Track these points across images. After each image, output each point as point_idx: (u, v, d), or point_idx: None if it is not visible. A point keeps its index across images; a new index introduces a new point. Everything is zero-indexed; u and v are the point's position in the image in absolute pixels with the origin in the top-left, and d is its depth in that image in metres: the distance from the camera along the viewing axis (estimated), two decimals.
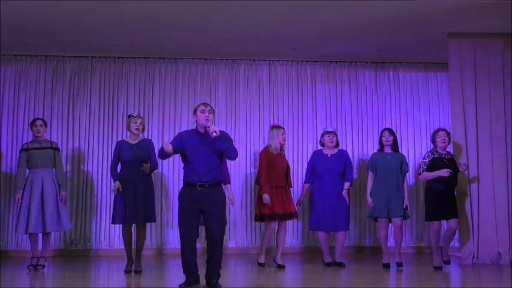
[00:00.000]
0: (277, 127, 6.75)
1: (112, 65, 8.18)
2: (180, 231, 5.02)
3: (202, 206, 4.98)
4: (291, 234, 8.07)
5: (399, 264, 6.55)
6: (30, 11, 6.36)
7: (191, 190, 5.01)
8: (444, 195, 6.45)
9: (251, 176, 8.12)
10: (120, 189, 6.16)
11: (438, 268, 6.41)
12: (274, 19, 6.67)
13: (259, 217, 6.54)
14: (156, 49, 7.93)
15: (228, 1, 6.13)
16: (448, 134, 6.67)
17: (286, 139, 8.15)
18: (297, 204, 6.89)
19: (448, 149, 6.76)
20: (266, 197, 6.40)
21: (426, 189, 6.61)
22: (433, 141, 6.67)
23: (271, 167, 6.53)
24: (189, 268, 5.00)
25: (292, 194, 7.94)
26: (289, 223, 7.99)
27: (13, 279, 5.88)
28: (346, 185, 6.72)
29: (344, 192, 6.68)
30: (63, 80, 8.04)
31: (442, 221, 6.59)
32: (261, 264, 6.61)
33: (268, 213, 6.45)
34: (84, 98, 8.05)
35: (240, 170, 8.13)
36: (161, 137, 8.05)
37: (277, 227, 6.64)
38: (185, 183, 5.08)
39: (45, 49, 7.88)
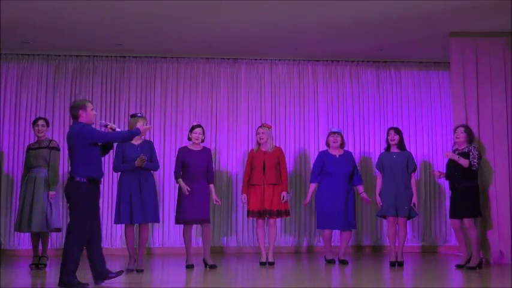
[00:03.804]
0: (260, 125, 6.85)
1: (113, 64, 8.19)
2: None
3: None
4: (291, 233, 8.08)
5: (400, 264, 6.55)
6: (32, 11, 6.37)
7: (97, 187, 5.21)
8: (454, 193, 6.48)
9: None
10: (145, 158, 6.13)
11: (459, 266, 6.42)
12: (275, 18, 6.67)
13: (247, 213, 6.75)
14: (157, 48, 7.93)
15: (229, 1, 6.13)
16: (466, 130, 6.56)
17: (287, 138, 8.24)
18: (304, 205, 7.12)
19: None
20: (243, 197, 6.70)
21: None
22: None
23: (252, 166, 6.68)
24: None
25: (293, 191, 7.99)
26: (290, 222, 8.01)
27: (15, 278, 5.89)
28: (361, 188, 6.88)
29: (363, 195, 6.87)
30: (65, 79, 8.05)
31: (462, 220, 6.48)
32: (261, 264, 6.60)
33: (249, 210, 6.66)
34: (86, 97, 8.02)
35: (240, 169, 8.12)
36: (162, 135, 8.07)
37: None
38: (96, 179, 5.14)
39: (47, 48, 7.89)
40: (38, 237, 6.56)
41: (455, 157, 6.40)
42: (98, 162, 5.15)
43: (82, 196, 4.98)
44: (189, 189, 6.34)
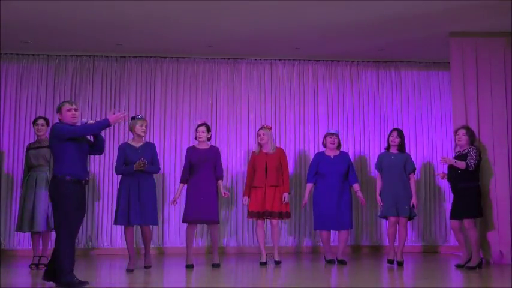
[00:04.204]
0: (260, 127, 6.91)
1: (113, 64, 8.19)
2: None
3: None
4: (292, 233, 8.09)
5: (400, 263, 6.56)
6: (32, 11, 6.37)
7: (81, 186, 5.11)
8: (455, 194, 6.48)
9: None
10: (145, 162, 6.13)
11: (459, 266, 6.42)
12: (275, 18, 6.67)
13: (248, 214, 6.81)
14: (157, 48, 7.93)
15: (229, 1, 6.13)
16: (468, 132, 6.56)
17: (287, 138, 8.25)
18: (302, 206, 7.20)
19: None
20: (244, 199, 6.77)
21: None
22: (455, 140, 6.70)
23: (254, 168, 6.74)
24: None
25: (293, 191, 7.98)
26: (291, 222, 8.00)
27: (15, 278, 5.89)
28: (356, 186, 6.88)
29: (359, 193, 6.87)
30: (65, 79, 8.05)
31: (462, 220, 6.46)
32: (261, 264, 6.64)
33: (249, 211, 6.73)
34: (86, 97, 8.07)
35: (240, 169, 8.13)
36: (162, 135, 8.06)
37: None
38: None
39: (47, 48, 7.89)
40: (39, 237, 6.57)
41: (453, 162, 6.41)
42: (77, 159, 5.06)
43: (63, 194, 4.96)
44: (176, 202, 6.62)
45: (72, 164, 5.02)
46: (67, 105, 5.16)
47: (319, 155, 7.02)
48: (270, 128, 6.83)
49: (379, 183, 6.78)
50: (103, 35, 7.33)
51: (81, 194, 5.11)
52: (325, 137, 7.03)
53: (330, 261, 6.80)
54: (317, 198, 6.85)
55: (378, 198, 6.74)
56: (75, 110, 5.17)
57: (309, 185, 6.97)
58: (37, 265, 6.45)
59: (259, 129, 6.83)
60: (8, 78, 7.96)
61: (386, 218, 6.74)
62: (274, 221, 6.65)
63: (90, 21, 6.77)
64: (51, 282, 5.08)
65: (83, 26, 6.91)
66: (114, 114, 5.12)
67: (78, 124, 5.13)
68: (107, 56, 8.16)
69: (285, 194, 6.64)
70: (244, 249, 8.00)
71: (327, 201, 6.75)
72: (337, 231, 6.96)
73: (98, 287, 5.20)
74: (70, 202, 4.97)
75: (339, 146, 6.98)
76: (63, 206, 4.96)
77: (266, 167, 6.65)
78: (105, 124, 5.08)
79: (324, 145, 7.02)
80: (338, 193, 6.77)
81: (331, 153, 6.94)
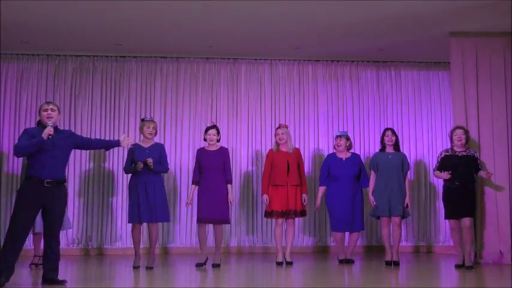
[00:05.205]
0: (278, 127, 6.92)
1: (113, 64, 8.19)
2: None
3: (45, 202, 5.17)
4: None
5: (396, 263, 6.58)
6: (32, 10, 6.38)
7: (41, 186, 5.13)
8: (458, 193, 6.42)
9: (252, 174, 8.14)
10: (141, 165, 6.22)
11: (458, 267, 6.41)
12: (275, 18, 6.68)
13: (265, 214, 6.84)
14: (157, 48, 7.93)
15: (229, 1, 6.13)
16: (466, 132, 6.62)
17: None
18: (315, 209, 7.25)
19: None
20: (264, 197, 6.71)
21: (442, 187, 6.66)
22: (451, 139, 6.68)
23: (273, 166, 6.73)
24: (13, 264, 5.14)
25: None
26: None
27: (15, 278, 5.88)
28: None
29: (371, 198, 6.78)
30: (65, 79, 8.06)
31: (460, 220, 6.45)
32: (278, 264, 6.67)
33: (269, 210, 6.72)
34: (86, 97, 8.07)
35: (241, 168, 8.14)
36: (162, 135, 8.05)
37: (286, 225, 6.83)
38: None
39: (47, 48, 7.89)
40: (40, 237, 6.56)
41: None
42: (40, 160, 5.14)
43: (19, 191, 5.21)
44: (190, 203, 6.71)
45: (34, 164, 5.16)
46: (44, 106, 5.34)
47: (330, 157, 7.04)
48: (287, 127, 6.89)
49: (372, 183, 6.80)
50: (103, 35, 7.33)
51: (39, 194, 5.13)
52: (334, 139, 7.10)
53: (342, 261, 6.83)
54: (330, 201, 6.89)
55: (371, 197, 6.76)
56: (52, 110, 5.29)
57: (322, 188, 6.99)
58: (37, 265, 6.46)
59: (277, 128, 6.87)
60: (8, 78, 7.96)
61: (378, 217, 6.78)
62: (291, 220, 6.70)
63: (90, 21, 6.77)
64: (53, 286, 5.11)
65: (83, 26, 6.91)
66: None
67: (50, 124, 5.16)
68: (107, 56, 8.16)
69: (304, 196, 6.73)
70: (245, 249, 8.01)
71: (340, 203, 6.78)
72: (349, 232, 6.97)
73: (99, 287, 5.20)
74: (19, 200, 5.16)
75: (349, 147, 7.00)
76: (16, 202, 5.19)
77: (288, 166, 6.67)
78: (39, 142, 5.11)
79: (335, 148, 7.07)
80: (351, 195, 6.81)
81: (343, 155, 6.96)
